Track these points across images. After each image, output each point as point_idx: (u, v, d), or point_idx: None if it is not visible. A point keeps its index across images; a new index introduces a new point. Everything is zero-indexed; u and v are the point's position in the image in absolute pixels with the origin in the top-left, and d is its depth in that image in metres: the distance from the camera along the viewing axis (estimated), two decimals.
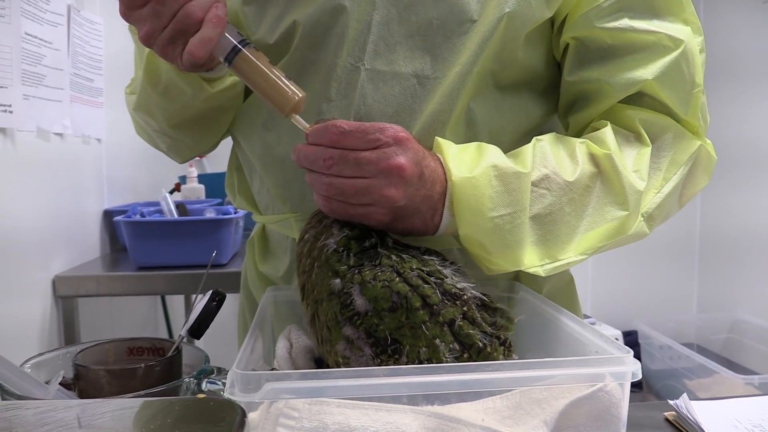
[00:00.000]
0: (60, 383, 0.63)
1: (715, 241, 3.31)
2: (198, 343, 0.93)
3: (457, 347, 0.59)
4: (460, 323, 0.59)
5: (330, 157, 0.61)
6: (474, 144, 0.70)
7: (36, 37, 1.47)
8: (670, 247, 3.34)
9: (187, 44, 0.63)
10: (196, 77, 0.75)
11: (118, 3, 0.65)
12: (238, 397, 0.49)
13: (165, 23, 0.63)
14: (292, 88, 0.64)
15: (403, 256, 0.63)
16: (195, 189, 2.16)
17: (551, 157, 0.71)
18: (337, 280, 0.61)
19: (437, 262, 0.64)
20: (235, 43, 0.64)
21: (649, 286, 3.41)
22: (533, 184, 0.68)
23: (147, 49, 0.76)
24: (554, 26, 0.79)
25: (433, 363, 0.57)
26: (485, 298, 0.64)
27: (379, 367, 0.51)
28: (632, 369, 0.51)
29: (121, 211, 1.87)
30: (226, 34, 0.65)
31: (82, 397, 0.64)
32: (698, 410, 0.70)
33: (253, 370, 0.64)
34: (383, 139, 0.61)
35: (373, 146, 0.61)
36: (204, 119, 0.84)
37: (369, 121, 0.67)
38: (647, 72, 0.74)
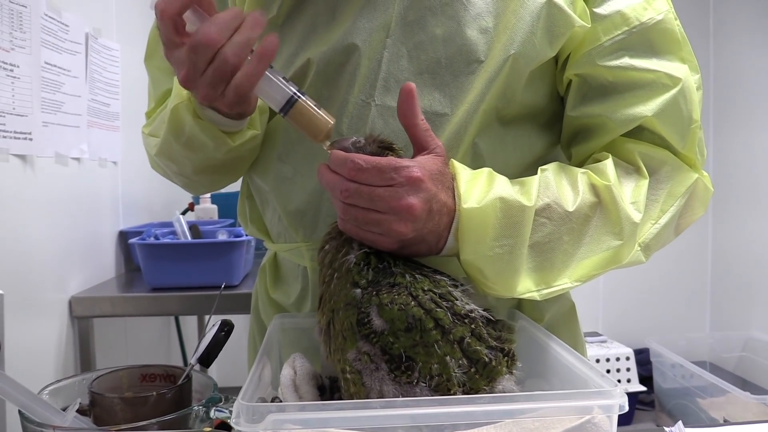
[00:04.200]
0: (76, 410, 0.66)
1: (727, 257, 3.30)
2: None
3: (466, 362, 0.62)
4: (469, 340, 0.63)
5: (346, 189, 0.64)
6: (485, 171, 0.73)
7: (55, 66, 1.52)
8: (682, 264, 3.34)
9: (238, 74, 0.64)
10: (218, 131, 0.77)
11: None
12: (243, 427, 0.52)
13: (202, 68, 0.65)
14: (325, 117, 0.68)
15: (416, 276, 0.66)
16: (208, 209, 2.20)
17: (554, 186, 0.74)
18: (358, 290, 0.65)
19: (448, 283, 0.68)
20: (292, 93, 0.67)
21: (661, 303, 3.40)
22: (535, 213, 0.71)
23: (172, 103, 0.78)
24: (558, 63, 0.82)
25: (443, 378, 0.61)
26: (490, 316, 0.67)
27: (375, 400, 0.53)
28: (620, 401, 0.53)
29: (137, 232, 1.91)
30: (278, 83, 0.67)
31: (97, 423, 0.67)
32: None
33: (261, 397, 0.67)
34: (397, 178, 0.64)
35: (387, 184, 0.64)
36: (224, 167, 0.86)
37: None
38: (647, 109, 0.77)
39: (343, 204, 0.66)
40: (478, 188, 0.70)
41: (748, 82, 3.08)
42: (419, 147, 0.70)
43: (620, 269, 0.77)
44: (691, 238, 3.29)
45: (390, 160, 0.65)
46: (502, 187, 0.70)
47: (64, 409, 0.66)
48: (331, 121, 0.68)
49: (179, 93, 0.76)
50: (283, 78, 0.68)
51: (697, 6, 3.30)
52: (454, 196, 0.69)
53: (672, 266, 3.29)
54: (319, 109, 0.68)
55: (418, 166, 0.65)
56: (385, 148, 0.68)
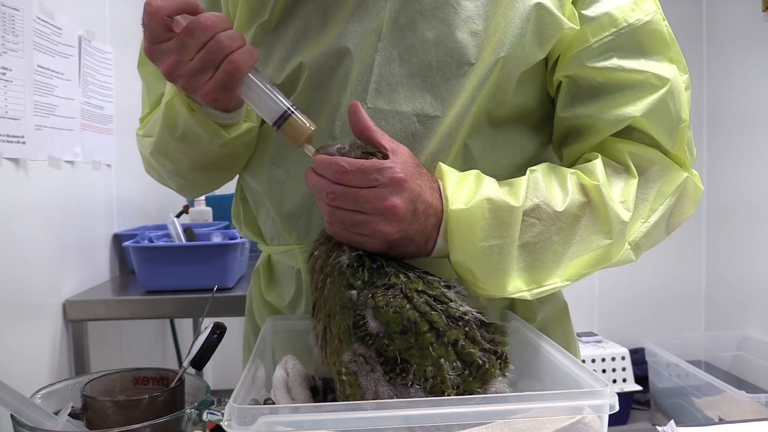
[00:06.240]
0: (69, 414, 0.66)
1: (723, 257, 3.30)
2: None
3: (460, 365, 0.63)
4: (463, 343, 0.64)
5: (332, 191, 0.66)
6: (473, 173, 0.74)
7: (48, 69, 1.52)
8: (677, 264, 3.34)
9: (231, 56, 0.65)
10: (212, 123, 0.78)
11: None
12: (235, 430, 0.52)
13: (192, 54, 0.66)
14: (306, 122, 0.69)
15: (410, 275, 0.67)
16: (203, 212, 2.20)
17: (543, 187, 0.74)
18: (353, 292, 0.65)
19: (441, 285, 0.68)
20: (286, 108, 0.69)
21: (656, 303, 3.41)
22: (524, 213, 0.72)
23: (166, 98, 0.78)
24: (547, 65, 0.82)
25: (437, 380, 0.62)
26: (483, 318, 0.68)
27: (367, 401, 0.54)
28: (610, 401, 0.54)
29: (131, 235, 1.91)
30: (273, 95, 0.69)
31: (89, 427, 0.67)
32: None
33: (254, 399, 0.67)
34: (381, 179, 0.65)
35: (371, 185, 0.65)
36: (219, 163, 0.87)
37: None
38: (636, 109, 0.78)
39: (329, 207, 0.67)
40: (466, 190, 0.71)
41: (741, 87, 3.09)
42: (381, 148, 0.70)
43: (612, 268, 0.77)
44: (686, 238, 3.30)
45: (373, 162, 0.66)
46: (490, 188, 0.71)
47: (56, 413, 0.66)
48: (312, 127, 0.69)
49: (173, 87, 0.76)
50: (274, 89, 0.69)
51: (690, 9, 3.31)
52: (440, 197, 0.70)
53: (667, 266, 3.30)
54: (302, 116, 0.69)
55: (401, 166, 0.66)
56: (368, 153, 0.68)
